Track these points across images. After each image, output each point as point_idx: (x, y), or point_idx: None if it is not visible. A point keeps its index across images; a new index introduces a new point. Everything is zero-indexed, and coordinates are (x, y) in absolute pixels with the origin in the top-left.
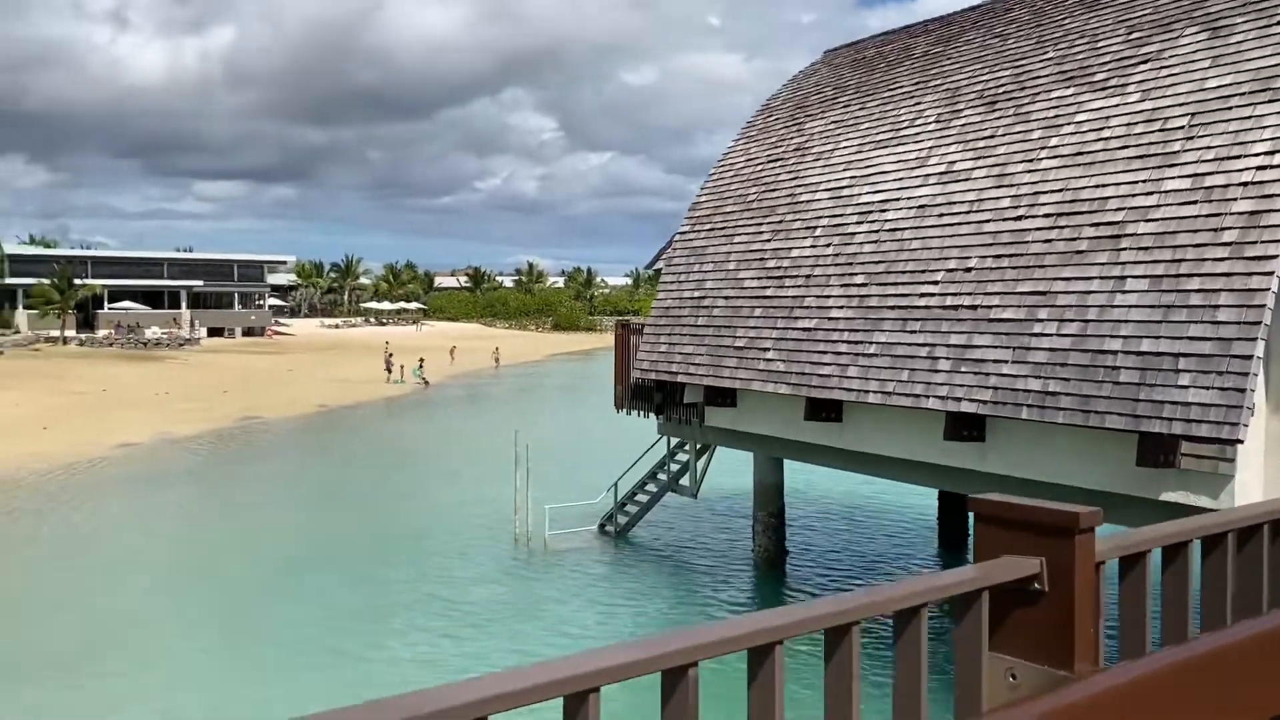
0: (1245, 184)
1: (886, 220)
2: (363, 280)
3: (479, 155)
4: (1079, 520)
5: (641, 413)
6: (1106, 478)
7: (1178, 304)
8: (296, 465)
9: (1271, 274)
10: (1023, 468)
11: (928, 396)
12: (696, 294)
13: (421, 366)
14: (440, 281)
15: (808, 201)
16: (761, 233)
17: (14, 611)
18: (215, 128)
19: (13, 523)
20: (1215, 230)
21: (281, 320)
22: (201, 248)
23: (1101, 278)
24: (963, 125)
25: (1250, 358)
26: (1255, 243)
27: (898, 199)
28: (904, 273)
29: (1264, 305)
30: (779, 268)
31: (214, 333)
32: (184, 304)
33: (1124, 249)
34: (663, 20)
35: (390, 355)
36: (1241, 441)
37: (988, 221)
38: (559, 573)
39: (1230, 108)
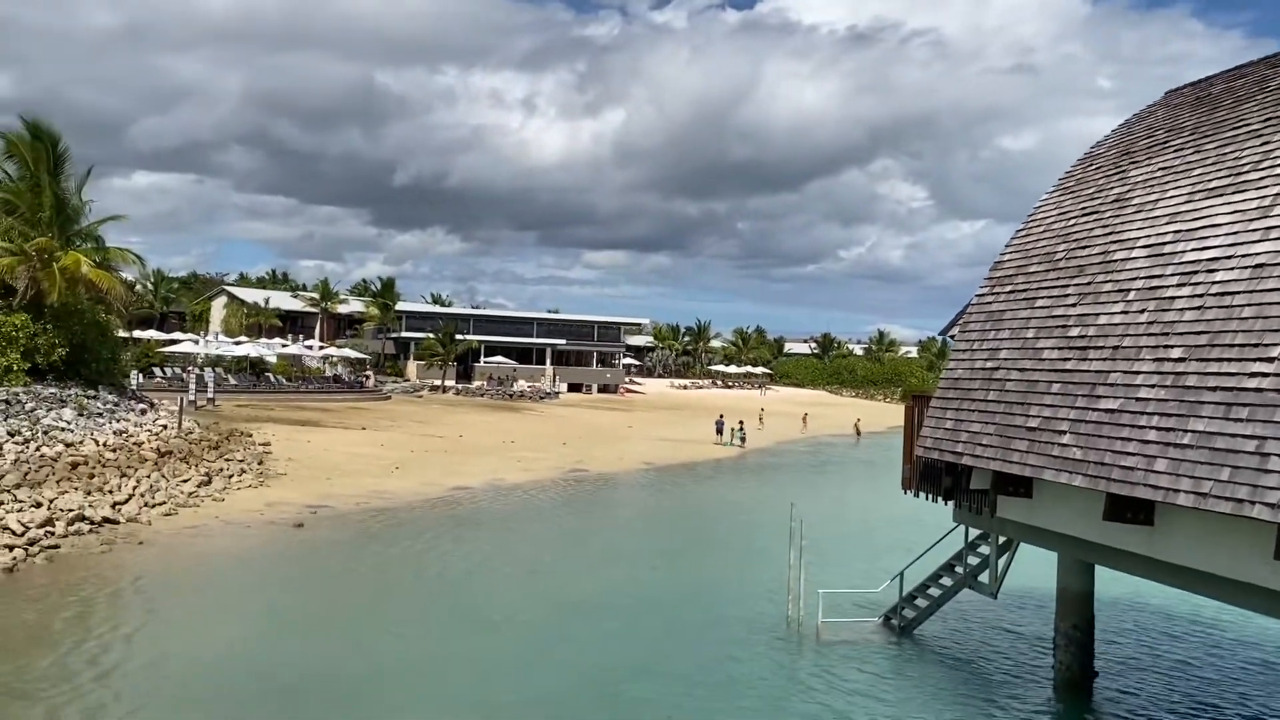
0: None
1: (1214, 282)
2: (714, 343)
3: (845, 225)
4: None
5: (930, 496)
6: None
7: None
8: (599, 521)
9: None
10: None
11: (1254, 503)
12: (989, 365)
13: (742, 429)
14: (791, 348)
15: (1122, 260)
16: (1066, 296)
17: (300, 633)
18: (603, 202)
19: (328, 552)
20: None
21: (635, 379)
22: (584, 311)
23: None
24: None
25: None
26: None
27: (1229, 257)
28: (1231, 346)
29: None
30: (1082, 337)
31: (573, 388)
32: (548, 360)
33: None
34: (1046, 85)
35: (721, 418)
36: None
37: None
38: (829, 664)
39: None
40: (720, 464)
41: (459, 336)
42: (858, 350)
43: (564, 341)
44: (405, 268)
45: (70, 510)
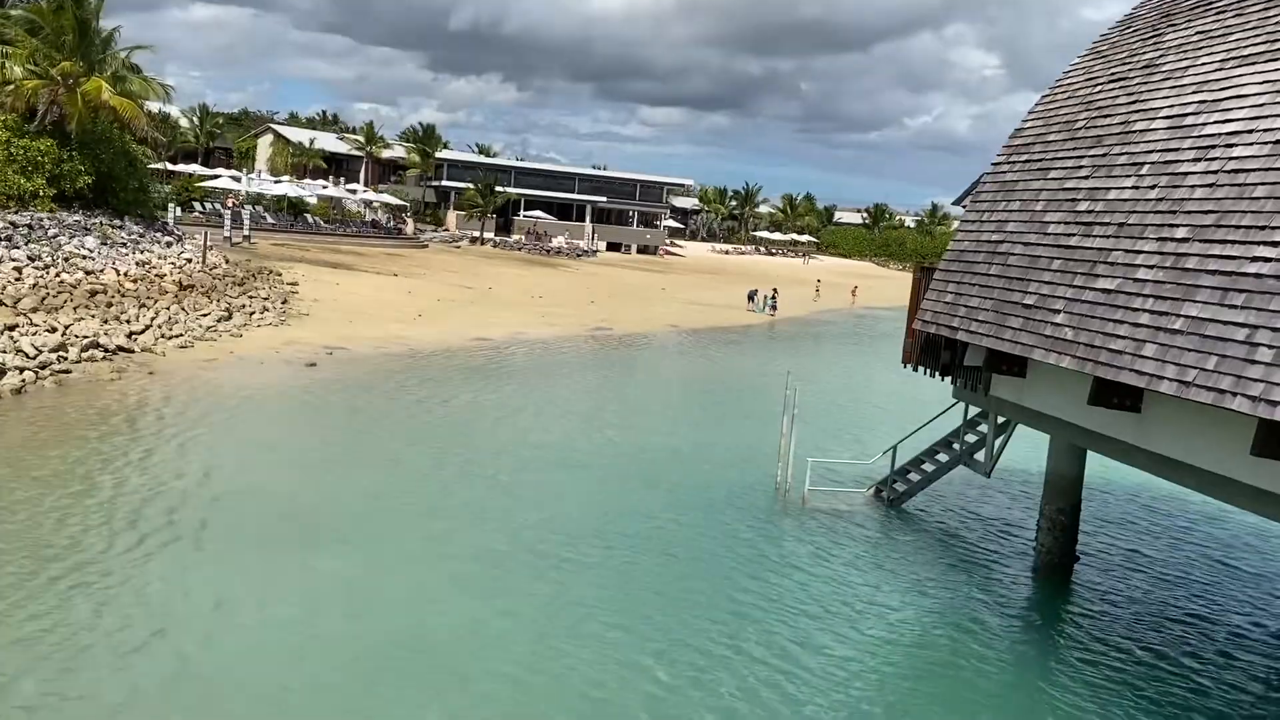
0: None
1: (1231, 158)
2: (762, 209)
3: (913, 91)
4: None
5: (929, 372)
6: None
7: None
8: (614, 380)
9: None
10: None
11: (1235, 394)
12: (995, 238)
13: (775, 297)
14: (842, 217)
15: (1141, 131)
16: (1080, 168)
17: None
18: (663, 56)
19: (335, 392)
20: None
21: (675, 241)
22: (638, 169)
23: None
24: None
25: None
26: None
27: (1250, 131)
28: (1238, 228)
29: None
30: (1090, 212)
31: (612, 247)
32: (588, 217)
33: None
34: None
35: (755, 290)
36: None
37: None
38: (807, 530)
39: None
40: (748, 330)
41: (499, 189)
42: (910, 223)
43: (605, 199)
44: (459, 116)
45: (85, 337)
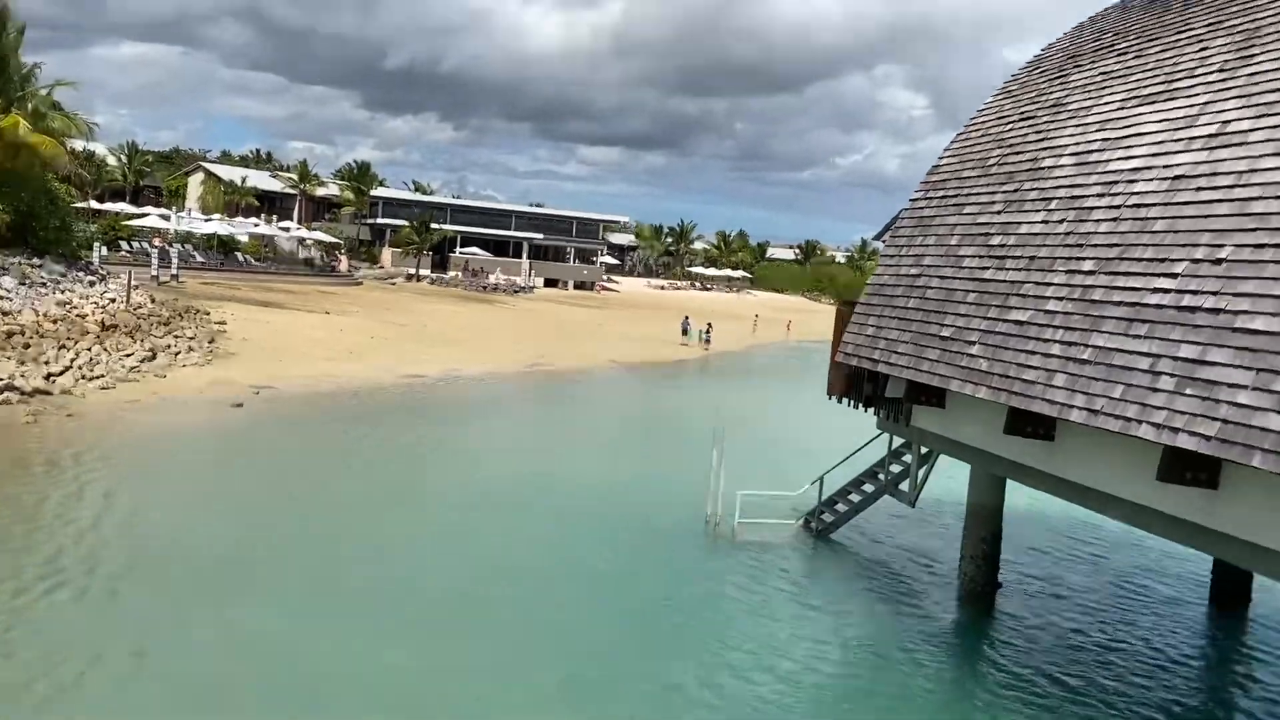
0: None
1: (1133, 193)
2: (696, 245)
3: (844, 131)
4: None
5: (852, 403)
6: None
7: None
8: (548, 415)
9: None
10: (1263, 533)
11: (1141, 422)
12: (913, 271)
13: (709, 331)
14: (775, 253)
15: (1050, 168)
16: (994, 203)
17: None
18: (601, 96)
19: (260, 433)
20: None
21: (612, 277)
22: (576, 207)
23: None
24: (1250, 75)
25: None
26: None
27: (1150, 167)
28: (1139, 260)
29: None
30: (1003, 246)
31: (549, 283)
32: (525, 254)
33: None
34: None
35: (688, 319)
36: None
37: (1255, 200)
38: (738, 563)
39: None
40: (683, 365)
41: (436, 226)
42: (841, 259)
43: (542, 236)
44: (396, 154)
45: None
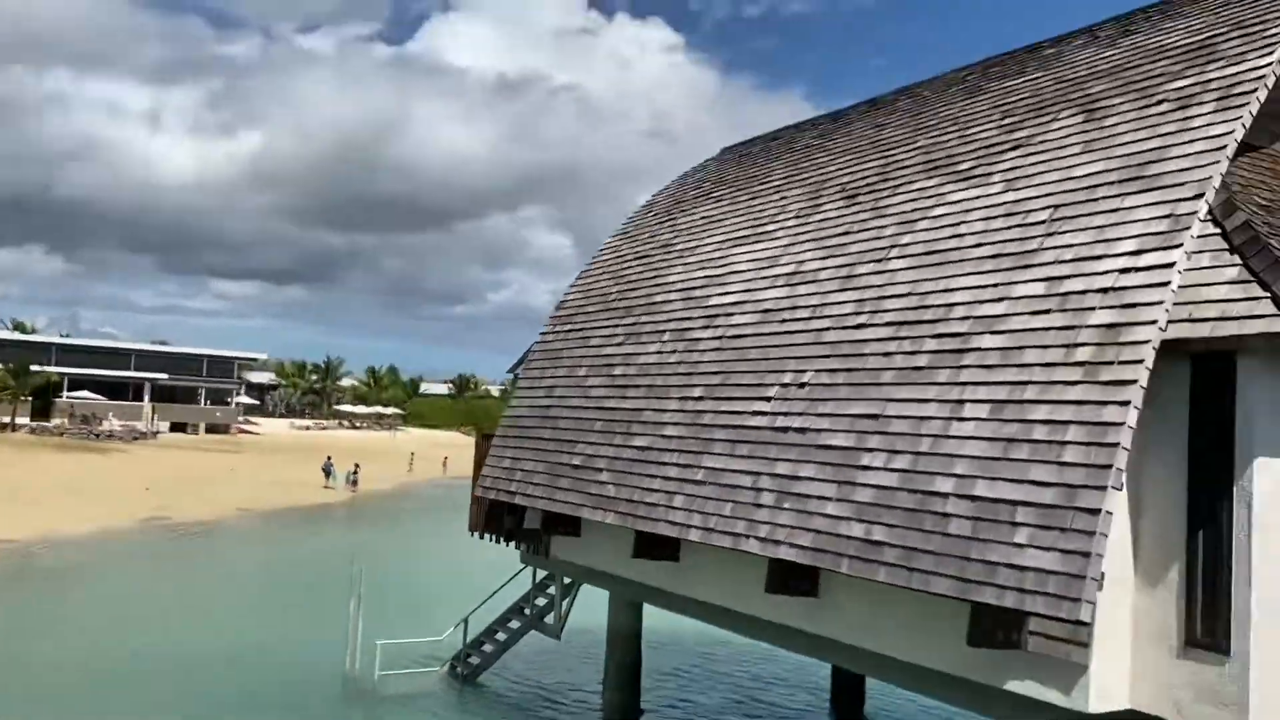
0: (1105, 290)
1: (731, 325)
2: (345, 382)
3: (492, 267)
4: None
5: (494, 538)
6: (948, 656)
7: (1019, 437)
8: (166, 576)
9: (1128, 404)
10: (858, 634)
11: (749, 537)
12: (546, 402)
13: (356, 472)
14: (429, 388)
15: (662, 302)
16: (615, 335)
17: None
18: (236, 227)
19: None
20: (1068, 347)
21: (251, 419)
22: (208, 343)
23: (939, 400)
24: (820, 220)
25: (1098, 511)
26: (1111, 363)
27: (744, 302)
28: (739, 385)
29: (1117, 444)
30: (625, 375)
31: (176, 428)
32: (147, 396)
33: (966, 365)
34: (681, 151)
35: (330, 460)
36: (1085, 623)
37: (828, 330)
38: (382, 719)
39: (1097, 199)
40: (326, 509)
41: (37, 368)
42: (495, 392)
43: (167, 377)
44: None
45: None
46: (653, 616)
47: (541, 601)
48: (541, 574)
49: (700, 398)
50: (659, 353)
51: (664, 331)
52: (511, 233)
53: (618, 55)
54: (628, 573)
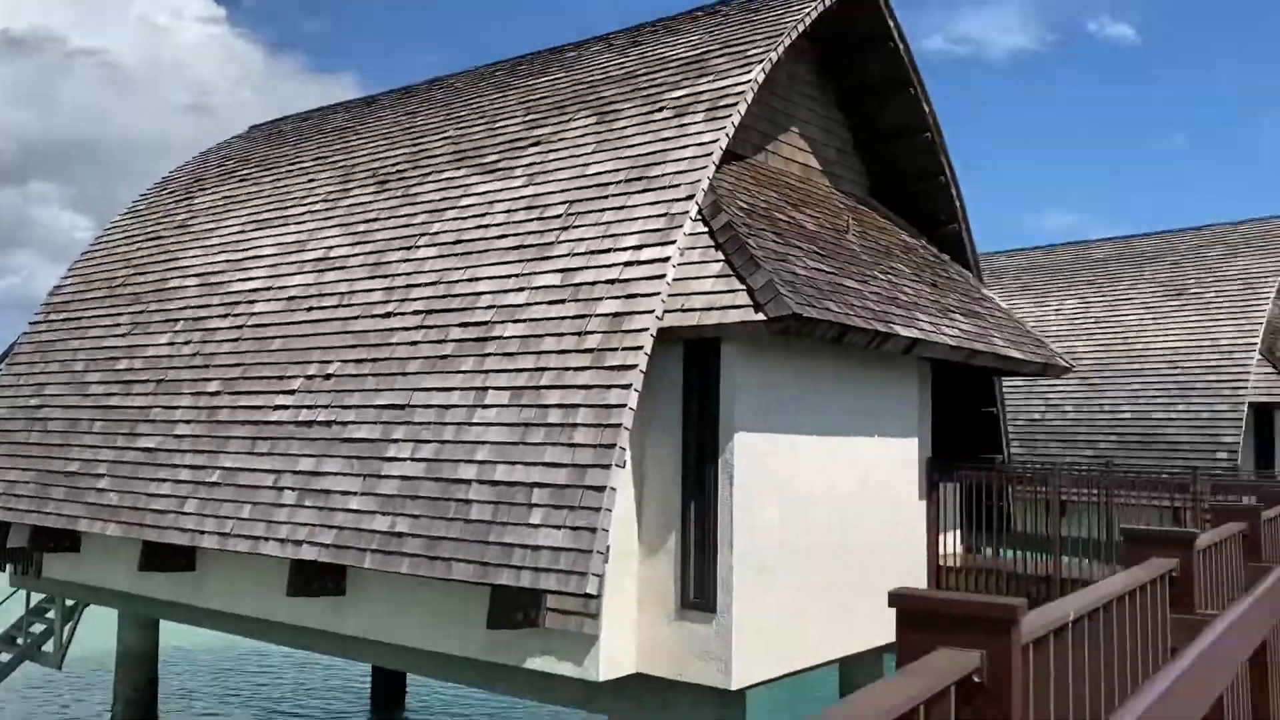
0: (612, 281)
1: (253, 314)
2: None
3: None
4: (1016, 613)
5: None
6: (472, 642)
7: (535, 421)
8: None
9: (629, 387)
10: (386, 629)
11: (268, 539)
12: (34, 402)
13: None
14: None
15: (176, 288)
16: (119, 325)
17: None
18: None
19: None
20: (579, 334)
21: None
22: None
23: (464, 388)
24: (350, 206)
25: (603, 489)
26: (616, 349)
27: (268, 289)
28: (260, 379)
29: (620, 424)
30: (130, 370)
31: None
32: None
33: (489, 354)
34: (223, 126)
35: None
36: (593, 595)
37: (356, 318)
38: None
39: (607, 196)
40: None
41: None
42: None
43: None
44: None
45: None
46: (172, 633)
47: (40, 627)
48: (38, 597)
49: (217, 392)
50: (171, 344)
51: (177, 321)
52: (18, 210)
53: (150, 22)
54: (137, 588)
